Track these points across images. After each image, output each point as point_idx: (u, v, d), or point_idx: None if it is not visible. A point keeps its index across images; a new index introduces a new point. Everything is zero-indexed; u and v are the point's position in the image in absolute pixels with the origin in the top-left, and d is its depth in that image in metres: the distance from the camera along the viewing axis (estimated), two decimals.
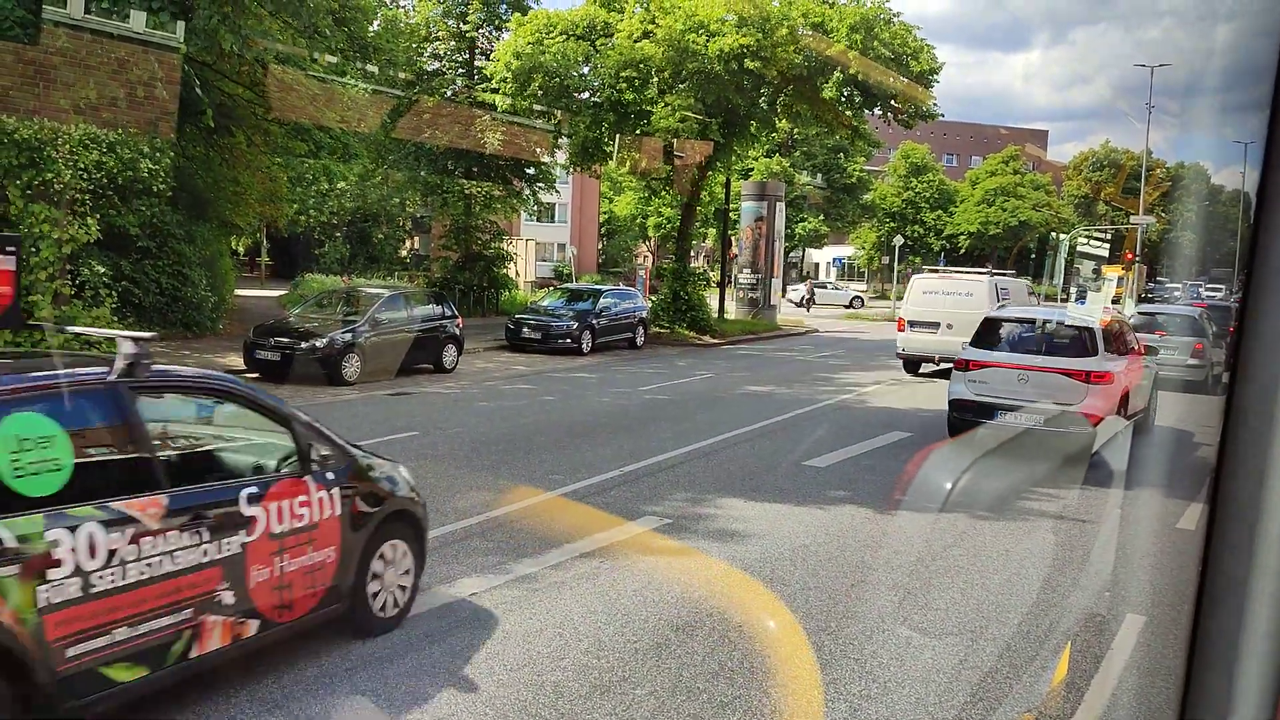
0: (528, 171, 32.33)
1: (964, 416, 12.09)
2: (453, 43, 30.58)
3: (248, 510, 4.83)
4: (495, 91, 25.94)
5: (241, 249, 42.36)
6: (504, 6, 29.96)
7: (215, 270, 23.71)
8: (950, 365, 13.85)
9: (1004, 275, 23.43)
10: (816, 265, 69.76)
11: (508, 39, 26.93)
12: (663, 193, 38.17)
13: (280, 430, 5.31)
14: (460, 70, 30.79)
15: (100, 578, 4.13)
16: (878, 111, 28.14)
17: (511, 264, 35.10)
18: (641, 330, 25.57)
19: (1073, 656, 5.94)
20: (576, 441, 11.96)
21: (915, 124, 29.08)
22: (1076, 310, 15.35)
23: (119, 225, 17.33)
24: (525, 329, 22.83)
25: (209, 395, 5.36)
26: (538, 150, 30.46)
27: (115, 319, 13.90)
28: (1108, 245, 63.62)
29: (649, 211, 52.91)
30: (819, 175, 60.41)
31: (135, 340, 4.63)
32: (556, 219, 59.35)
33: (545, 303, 25.48)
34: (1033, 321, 12.73)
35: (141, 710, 4.52)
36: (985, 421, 11.81)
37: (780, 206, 36.25)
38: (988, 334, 12.58)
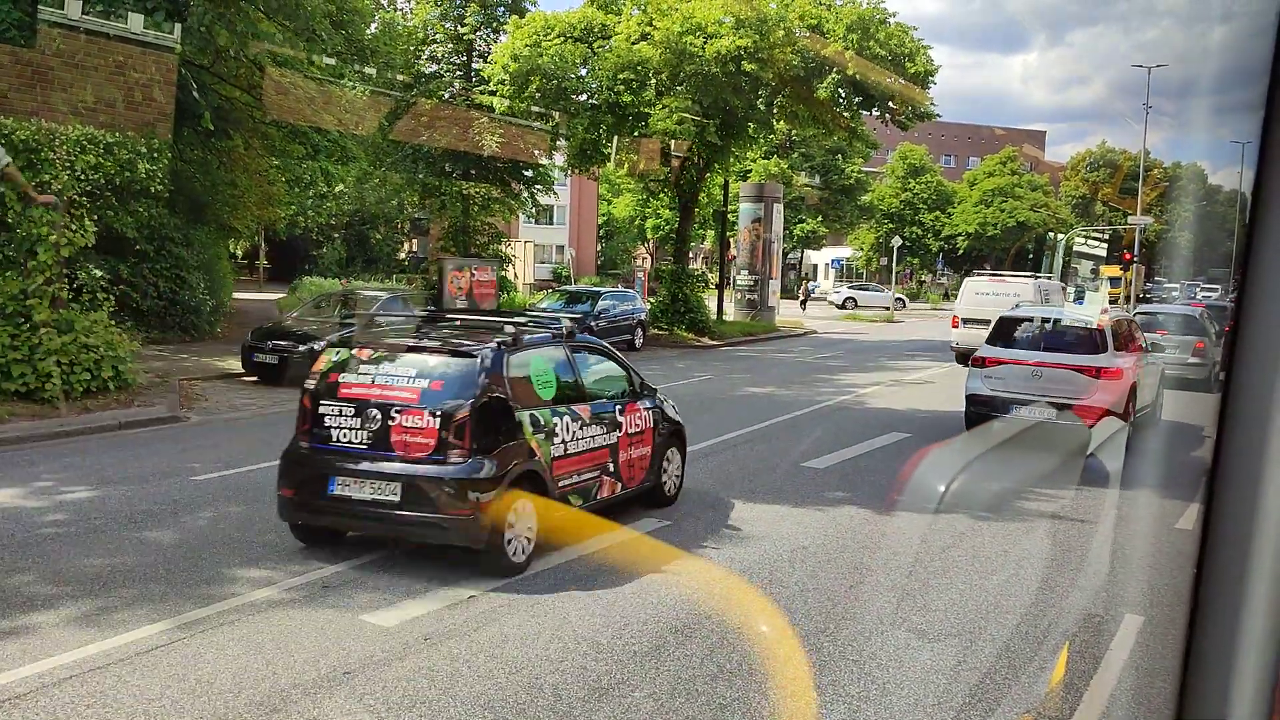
0: (526, 173, 32.31)
1: (980, 410, 12.54)
2: (450, 45, 30.58)
3: (618, 418, 8.24)
4: (493, 94, 25.96)
5: (240, 252, 42.30)
6: (502, 9, 29.95)
7: (213, 273, 23.66)
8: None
9: (1044, 278, 27.35)
10: (815, 267, 69.70)
11: (505, 41, 26.96)
12: (661, 194, 38.21)
13: (624, 373, 8.69)
14: (458, 72, 30.78)
15: (570, 445, 7.54)
16: (875, 113, 28.17)
17: (510, 266, 35.09)
18: (640, 332, 25.54)
19: (1071, 657, 5.93)
20: None
21: (913, 125, 29.14)
22: (1075, 310, 15.43)
23: (116, 228, 17.29)
24: None
25: (594, 353, 8.62)
26: (536, 152, 30.45)
27: (113, 323, 13.86)
28: (1105, 245, 63.71)
29: (647, 213, 52.91)
30: (817, 176, 60.42)
31: (570, 319, 8.83)
32: (555, 221, 59.34)
33: (544, 305, 25.47)
34: (1045, 321, 13.18)
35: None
36: (1001, 415, 12.24)
37: (778, 208, 36.23)
38: (1003, 333, 13.01)
